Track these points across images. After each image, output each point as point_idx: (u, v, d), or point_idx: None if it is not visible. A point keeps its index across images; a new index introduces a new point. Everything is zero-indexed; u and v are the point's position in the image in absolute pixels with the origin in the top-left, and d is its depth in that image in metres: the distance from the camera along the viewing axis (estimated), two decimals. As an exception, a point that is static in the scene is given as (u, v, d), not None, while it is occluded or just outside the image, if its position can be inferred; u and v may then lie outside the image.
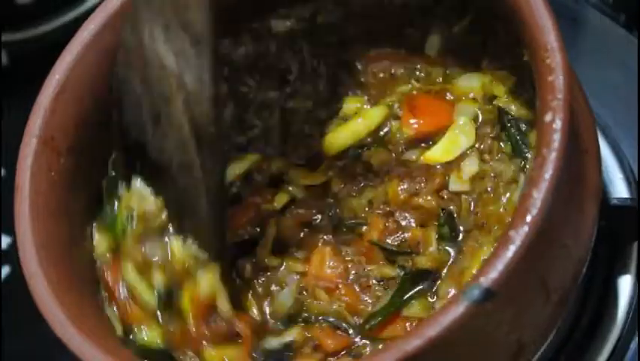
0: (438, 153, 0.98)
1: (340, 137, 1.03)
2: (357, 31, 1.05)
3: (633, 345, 1.00)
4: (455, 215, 0.96)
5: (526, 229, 0.77)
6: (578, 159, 0.86)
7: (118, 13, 0.97)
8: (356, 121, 1.03)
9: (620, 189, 1.05)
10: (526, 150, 0.93)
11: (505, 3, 0.86)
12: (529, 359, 0.85)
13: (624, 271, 1.02)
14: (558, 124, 0.80)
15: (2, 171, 1.30)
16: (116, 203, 0.96)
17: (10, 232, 1.16)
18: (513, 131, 0.94)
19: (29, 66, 1.18)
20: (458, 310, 0.76)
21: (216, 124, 0.89)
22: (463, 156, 0.97)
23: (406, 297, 0.94)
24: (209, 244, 0.92)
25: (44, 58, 0.98)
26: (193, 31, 0.87)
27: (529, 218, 0.78)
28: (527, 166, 0.91)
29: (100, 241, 0.96)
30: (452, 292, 0.92)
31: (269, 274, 1.00)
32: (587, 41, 1.14)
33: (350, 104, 1.05)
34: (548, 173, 0.79)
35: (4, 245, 1.25)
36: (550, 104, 0.81)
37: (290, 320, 0.97)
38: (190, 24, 0.87)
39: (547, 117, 0.80)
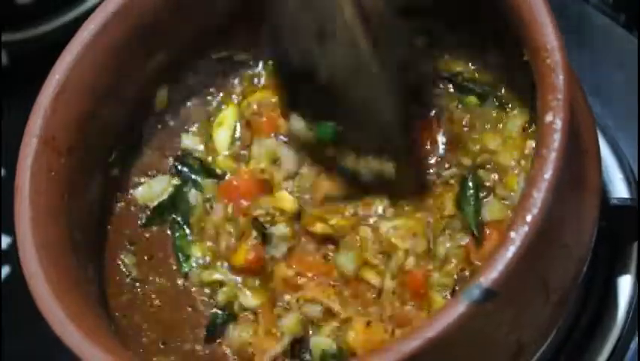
0: None
1: None
2: None
3: (633, 345, 1.00)
4: None
5: (526, 228, 0.77)
6: (578, 159, 0.86)
7: (118, 13, 0.97)
8: None
9: (620, 189, 1.05)
10: None
11: (505, 3, 0.86)
12: (528, 360, 0.85)
13: (624, 271, 1.02)
14: (558, 124, 0.80)
15: (2, 171, 1.30)
16: None
17: (10, 232, 1.16)
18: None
19: (29, 66, 1.18)
20: (458, 310, 0.76)
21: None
22: None
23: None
24: (396, 146, 0.93)
25: (44, 58, 0.98)
26: None
27: (529, 218, 0.78)
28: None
29: None
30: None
31: None
32: (587, 41, 1.14)
33: None
34: (548, 173, 0.79)
35: (4, 245, 1.25)
36: (550, 104, 0.81)
37: None
38: None
39: (548, 117, 0.80)
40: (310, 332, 0.96)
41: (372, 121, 0.93)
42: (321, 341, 0.94)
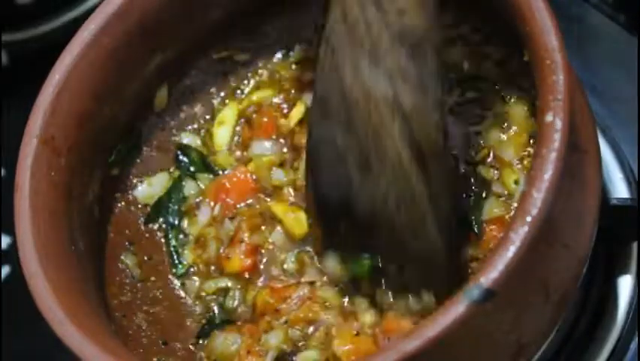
0: None
1: None
2: None
3: (633, 345, 1.00)
4: None
5: (526, 228, 0.77)
6: (578, 159, 0.86)
7: (118, 13, 0.97)
8: None
9: (620, 189, 1.05)
10: None
11: (505, 3, 0.86)
12: (528, 360, 0.85)
13: (624, 271, 1.02)
14: (558, 124, 0.80)
15: (2, 171, 1.30)
16: None
17: (10, 232, 1.16)
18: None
19: (29, 66, 1.18)
20: (458, 310, 0.76)
21: (443, 132, 0.84)
22: None
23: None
24: (440, 279, 0.89)
25: (44, 58, 0.98)
26: (412, 40, 0.82)
27: (529, 218, 0.78)
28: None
29: None
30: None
31: None
32: (587, 41, 1.14)
33: None
34: (548, 173, 0.79)
35: (4, 245, 1.25)
36: (550, 104, 0.81)
37: None
38: (407, 32, 0.82)
39: (548, 117, 0.80)
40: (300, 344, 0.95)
41: (417, 251, 0.89)
42: (309, 355, 0.94)
